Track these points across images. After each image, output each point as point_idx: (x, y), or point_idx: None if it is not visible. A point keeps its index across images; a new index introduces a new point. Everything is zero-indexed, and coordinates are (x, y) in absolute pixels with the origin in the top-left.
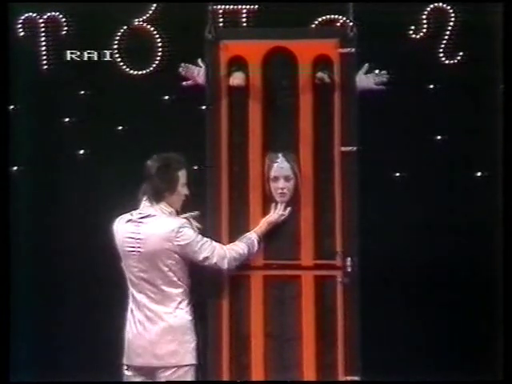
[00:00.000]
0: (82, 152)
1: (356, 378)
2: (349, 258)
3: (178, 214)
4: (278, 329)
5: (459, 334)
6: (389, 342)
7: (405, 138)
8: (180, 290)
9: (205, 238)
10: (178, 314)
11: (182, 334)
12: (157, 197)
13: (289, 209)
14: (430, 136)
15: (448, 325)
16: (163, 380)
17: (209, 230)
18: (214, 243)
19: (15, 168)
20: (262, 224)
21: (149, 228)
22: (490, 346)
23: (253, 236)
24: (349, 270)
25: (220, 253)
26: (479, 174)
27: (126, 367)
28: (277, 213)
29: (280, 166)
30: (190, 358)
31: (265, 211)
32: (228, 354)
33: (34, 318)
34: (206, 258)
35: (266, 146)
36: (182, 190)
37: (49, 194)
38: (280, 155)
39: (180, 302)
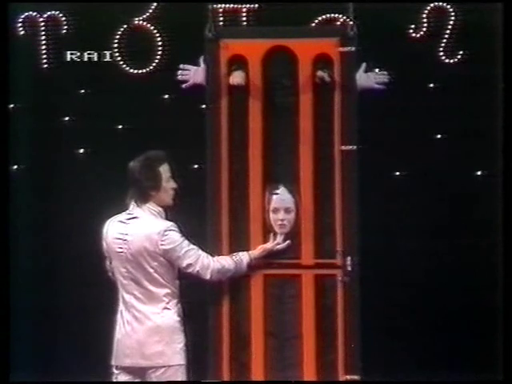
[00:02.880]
0: (81, 151)
1: (356, 378)
2: (349, 257)
3: (169, 210)
4: (278, 328)
5: (459, 333)
6: (389, 341)
7: (405, 137)
8: (167, 291)
9: (191, 245)
10: (166, 314)
11: (169, 335)
12: (143, 197)
13: (288, 242)
14: (430, 135)
15: (448, 324)
16: (154, 380)
17: (208, 227)
18: (200, 252)
19: (15, 167)
20: (258, 249)
21: (135, 229)
22: (490, 346)
23: (244, 256)
24: (349, 268)
25: (204, 262)
26: (479, 173)
27: (114, 368)
28: (275, 243)
29: (281, 197)
30: (179, 358)
31: (264, 209)
32: (228, 353)
33: (33, 318)
34: (189, 265)
35: (266, 145)
36: (168, 184)
37: (48, 193)
38: (281, 186)
39: (168, 303)
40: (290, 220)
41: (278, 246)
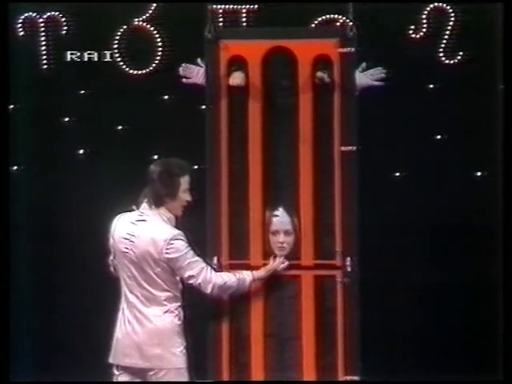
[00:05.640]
0: (81, 152)
1: (356, 378)
2: (348, 258)
3: (178, 219)
4: (277, 329)
5: (459, 333)
6: (389, 341)
7: (405, 137)
8: (169, 295)
9: (196, 257)
10: (167, 317)
11: (169, 338)
12: (157, 201)
13: (287, 262)
14: (430, 136)
15: (448, 325)
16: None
17: (208, 227)
18: (204, 265)
19: (15, 168)
20: (262, 270)
21: (143, 232)
22: (490, 346)
23: (247, 275)
24: (348, 269)
25: (207, 276)
26: (479, 173)
27: (115, 368)
28: (276, 264)
29: (280, 220)
30: (179, 361)
31: (264, 206)
32: (228, 353)
33: (33, 318)
34: (191, 277)
35: (266, 146)
36: (184, 196)
37: (49, 194)
38: (280, 208)
39: (169, 306)
40: (290, 242)
41: (282, 266)
